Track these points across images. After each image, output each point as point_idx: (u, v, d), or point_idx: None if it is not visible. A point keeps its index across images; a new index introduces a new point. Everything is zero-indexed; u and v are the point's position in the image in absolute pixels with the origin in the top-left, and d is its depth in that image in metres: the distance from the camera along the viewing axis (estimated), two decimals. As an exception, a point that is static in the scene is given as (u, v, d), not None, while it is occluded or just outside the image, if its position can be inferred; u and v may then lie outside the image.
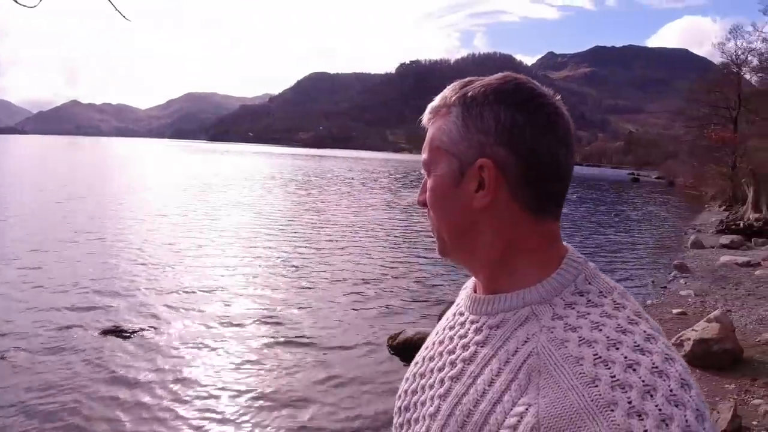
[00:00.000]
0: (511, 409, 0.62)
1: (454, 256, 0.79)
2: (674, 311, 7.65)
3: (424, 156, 0.78)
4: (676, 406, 0.55)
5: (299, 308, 7.46)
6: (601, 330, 0.62)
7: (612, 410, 0.54)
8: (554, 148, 0.71)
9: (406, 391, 0.84)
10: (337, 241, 13.09)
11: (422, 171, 0.80)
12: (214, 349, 5.88)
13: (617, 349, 0.59)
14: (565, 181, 0.74)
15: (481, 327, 0.74)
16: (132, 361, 5.44)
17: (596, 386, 0.57)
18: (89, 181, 27.37)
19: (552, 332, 0.65)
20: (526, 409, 0.60)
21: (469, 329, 0.77)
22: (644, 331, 0.63)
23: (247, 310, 7.28)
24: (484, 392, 0.67)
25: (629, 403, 0.55)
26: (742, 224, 17.01)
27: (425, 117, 0.79)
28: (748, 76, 34.57)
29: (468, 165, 0.72)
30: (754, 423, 4.24)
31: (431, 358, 0.82)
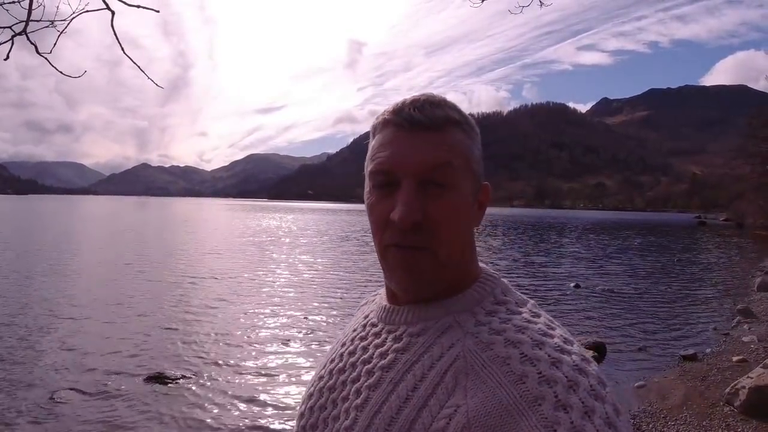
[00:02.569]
0: (439, 412, 0.62)
1: (447, 277, 0.73)
2: (734, 359, 7.15)
3: (434, 161, 0.70)
4: (597, 400, 0.58)
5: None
6: (524, 333, 0.65)
7: (540, 404, 0.57)
8: None
9: (311, 408, 0.80)
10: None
11: (400, 180, 0.71)
12: (251, 401, 5.93)
13: (541, 349, 0.62)
14: None
15: (401, 335, 0.74)
16: (172, 407, 5.57)
17: (524, 383, 0.59)
18: (152, 237, 28.68)
19: (477, 336, 0.67)
20: (455, 410, 0.61)
21: (386, 338, 0.76)
22: (561, 335, 0.66)
23: (290, 364, 7.33)
24: (407, 398, 0.66)
25: (556, 397, 0.57)
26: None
27: (428, 118, 0.72)
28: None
29: (478, 185, 0.77)
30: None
31: (342, 370, 0.79)
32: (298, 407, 0.84)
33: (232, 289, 12.68)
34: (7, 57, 2.90)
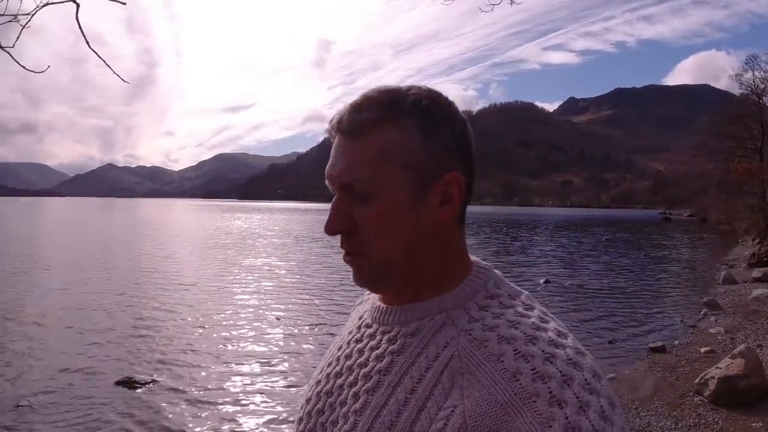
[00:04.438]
0: (437, 414, 0.62)
1: (395, 280, 0.73)
2: (702, 350, 7.33)
3: (353, 173, 0.69)
4: (591, 393, 0.58)
5: (316, 364, 7.38)
6: (517, 328, 0.64)
7: (535, 401, 0.57)
8: (475, 158, 0.75)
9: (309, 413, 0.79)
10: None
11: (333, 189, 0.73)
12: (222, 404, 5.83)
13: (534, 344, 0.62)
14: None
15: (395, 336, 0.73)
16: (140, 412, 5.43)
17: (518, 380, 0.59)
18: (117, 240, 28.03)
19: (470, 334, 0.66)
20: (452, 411, 0.61)
21: (381, 340, 0.75)
22: (555, 329, 0.65)
23: (264, 368, 7.23)
24: (405, 401, 0.65)
25: (550, 392, 0.57)
26: (775, 257, 16.41)
27: (349, 126, 0.70)
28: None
29: (432, 179, 0.70)
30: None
31: (339, 374, 0.78)
32: (297, 412, 0.83)
33: (202, 291, 12.48)
34: None
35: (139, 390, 6.03)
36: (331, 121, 0.73)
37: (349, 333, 0.84)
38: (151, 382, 6.24)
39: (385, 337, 0.74)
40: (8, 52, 2.71)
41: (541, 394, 0.57)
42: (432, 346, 0.68)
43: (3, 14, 2.93)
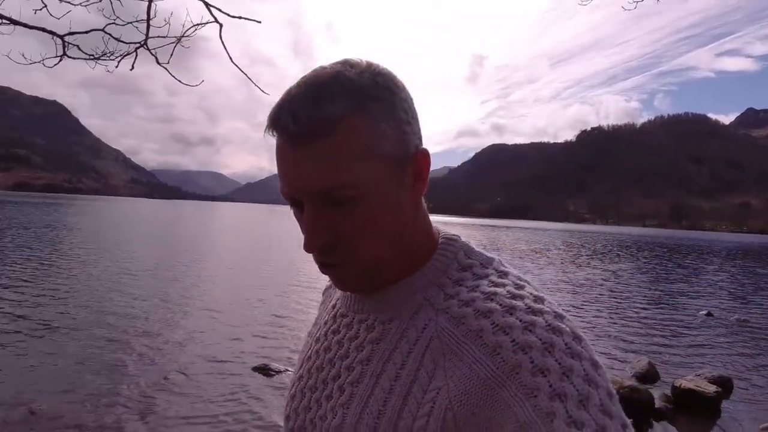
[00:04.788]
0: (423, 397, 0.62)
1: (386, 273, 0.70)
2: None
3: (332, 179, 0.61)
4: (573, 357, 0.57)
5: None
6: (492, 300, 0.63)
7: (518, 372, 0.56)
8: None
9: (296, 410, 0.78)
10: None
11: (299, 199, 0.65)
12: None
13: (512, 314, 0.60)
14: None
15: (373, 324, 0.72)
16: (270, 397, 5.89)
17: (499, 354, 0.58)
18: (275, 240, 30.55)
19: (447, 312, 0.65)
20: (437, 393, 0.61)
21: (359, 329, 0.74)
22: (531, 294, 0.64)
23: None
24: (391, 388, 0.65)
25: (532, 362, 0.56)
26: None
27: (311, 124, 0.60)
28: None
29: (405, 160, 0.66)
30: None
31: (320, 368, 0.77)
32: (284, 409, 0.82)
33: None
34: (132, 67, 3.29)
35: (273, 377, 6.54)
36: (276, 118, 0.63)
37: (325, 324, 0.82)
38: (284, 371, 6.74)
39: (363, 326, 0.73)
40: (165, 68, 3.18)
41: (523, 365, 0.56)
42: (411, 330, 0.67)
43: (166, 36, 3.43)
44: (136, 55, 3.26)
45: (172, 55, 3.18)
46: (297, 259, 20.46)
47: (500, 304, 0.62)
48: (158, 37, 3.39)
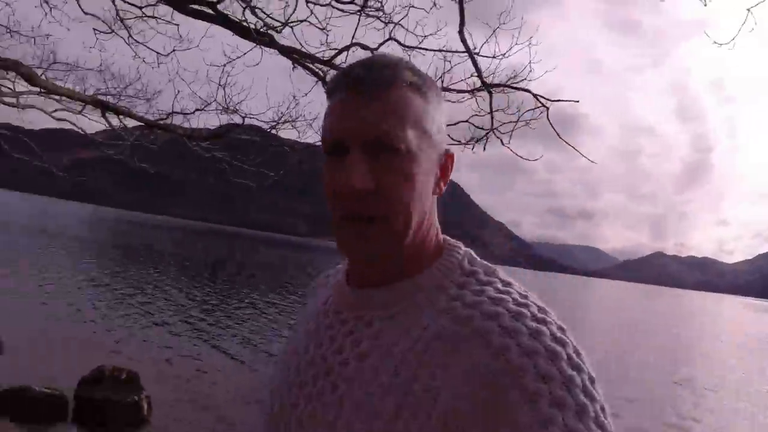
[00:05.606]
0: (423, 396, 0.61)
1: (402, 251, 0.70)
2: None
3: (391, 126, 0.66)
4: (574, 369, 0.59)
5: None
6: (499, 305, 0.64)
7: (521, 376, 0.57)
8: None
9: (282, 407, 0.75)
10: None
11: (348, 145, 0.67)
12: None
13: (518, 320, 0.61)
14: None
15: (372, 320, 0.71)
16: None
17: (504, 355, 0.58)
18: (657, 328, 28.10)
19: (450, 313, 0.65)
20: (439, 392, 0.60)
21: (356, 325, 0.72)
22: (536, 304, 0.66)
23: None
24: (389, 385, 0.64)
25: (536, 368, 0.57)
26: None
27: (376, 81, 0.67)
28: None
29: (440, 152, 0.73)
30: None
31: (311, 363, 0.74)
32: (264, 407, 0.80)
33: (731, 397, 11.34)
34: (484, 149, 4.16)
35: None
36: (348, 72, 0.70)
37: (315, 321, 0.80)
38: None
39: (361, 322, 0.72)
40: (566, 142, 3.86)
41: (528, 370, 0.57)
42: (413, 328, 0.67)
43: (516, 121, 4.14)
44: (487, 140, 4.07)
45: (511, 136, 3.96)
46: (678, 349, 18.58)
47: (507, 310, 0.63)
48: (507, 123, 4.15)
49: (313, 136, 5.87)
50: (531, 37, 4.38)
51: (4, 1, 6.78)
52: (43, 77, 6.47)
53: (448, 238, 0.77)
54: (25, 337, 8.31)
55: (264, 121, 5.97)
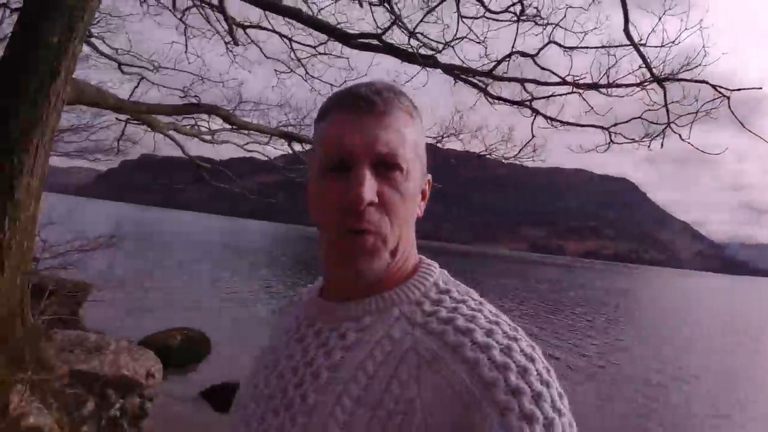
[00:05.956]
0: (394, 408, 0.62)
1: (388, 265, 0.72)
2: None
3: (397, 147, 0.70)
4: (543, 384, 0.61)
5: None
6: (472, 321, 0.66)
7: (492, 390, 0.59)
8: None
9: (248, 421, 0.75)
10: None
11: (355, 160, 0.69)
12: None
13: (490, 336, 0.64)
14: None
15: (345, 333, 0.72)
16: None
17: (475, 370, 0.60)
18: None
19: (425, 328, 0.67)
20: (410, 404, 0.62)
21: (329, 336, 0.73)
22: (507, 323, 0.69)
23: None
24: (359, 398, 0.64)
25: (506, 382, 0.59)
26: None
27: (381, 105, 0.71)
28: None
29: (424, 177, 0.78)
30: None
31: (280, 376, 0.75)
32: (230, 419, 0.81)
33: None
34: (661, 146, 3.91)
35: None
36: (356, 93, 0.72)
37: (287, 333, 0.81)
38: None
39: (334, 334, 0.73)
40: (759, 136, 3.58)
41: (498, 384, 0.59)
42: (386, 340, 0.68)
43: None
44: (664, 135, 3.84)
45: (691, 127, 3.64)
46: None
47: (479, 326, 0.65)
48: (684, 115, 3.91)
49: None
50: (701, 20, 4.09)
51: (195, 53, 8.05)
52: (233, 115, 7.51)
53: (423, 257, 0.80)
54: (228, 336, 9.41)
55: (431, 137, 6.36)
